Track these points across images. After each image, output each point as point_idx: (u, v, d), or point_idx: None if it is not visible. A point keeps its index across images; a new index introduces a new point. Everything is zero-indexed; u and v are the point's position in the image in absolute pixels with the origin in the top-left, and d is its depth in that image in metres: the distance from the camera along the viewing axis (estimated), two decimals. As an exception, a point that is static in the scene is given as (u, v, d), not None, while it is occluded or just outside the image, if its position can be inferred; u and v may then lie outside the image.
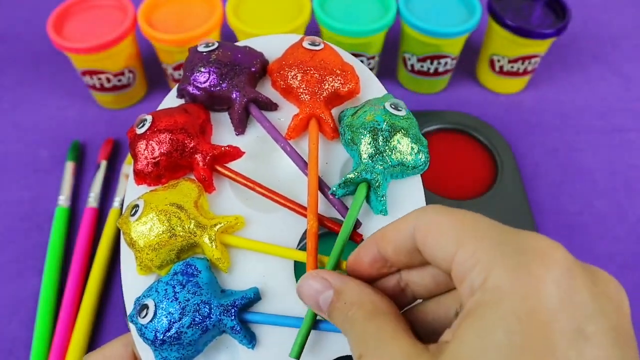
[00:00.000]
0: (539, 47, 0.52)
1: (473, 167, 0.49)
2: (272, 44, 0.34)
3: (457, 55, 0.54)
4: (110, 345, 0.27)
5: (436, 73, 0.55)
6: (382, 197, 0.27)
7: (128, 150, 0.51)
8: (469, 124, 0.51)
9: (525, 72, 0.55)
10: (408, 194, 0.28)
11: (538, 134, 0.54)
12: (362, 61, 0.53)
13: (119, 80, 0.53)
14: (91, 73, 0.51)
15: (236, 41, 0.53)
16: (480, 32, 0.56)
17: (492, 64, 0.56)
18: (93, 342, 0.41)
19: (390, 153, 0.27)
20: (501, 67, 0.55)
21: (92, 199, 0.47)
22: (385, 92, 0.31)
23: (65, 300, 0.42)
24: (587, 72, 0.60)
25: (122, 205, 0.47)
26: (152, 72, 0.58)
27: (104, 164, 0.50)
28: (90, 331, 0.41)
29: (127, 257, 0.28)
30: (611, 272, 0.47)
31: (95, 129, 0.54)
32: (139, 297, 0.25)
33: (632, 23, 0.66)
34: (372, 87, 0.32)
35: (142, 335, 0.24)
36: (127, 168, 0.50)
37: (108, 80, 0.52)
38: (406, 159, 0.27)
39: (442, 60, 0.53)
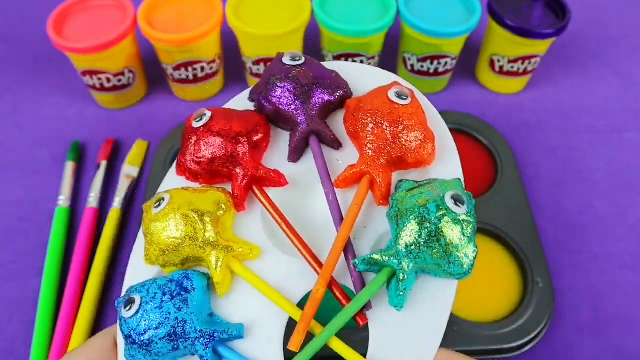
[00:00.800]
0: (539, 47, 0.52)
1: (473, 167, 0.49)
2: (364, 75, 0.31)
3: (457, 55, 0.54)
4: (91, 339, 0.27)
5: (436, 73, 0.55)
6: (403, 291, 0.24)
7: (128, 150, 0.51)
8: (469, 124, 0.51)
9: (525, 72, 0.55)
10: (433, 296, 0.25)
11: (538, 134, 0.54)
12: (362, 61, 0.53)
13: (119, 80, 0.53)
14: (91, 73, 0.51)
15: (236, 41, 0.53)
16: (480, 32, 0.56)
17: (492, 64, 0.56)
18: (93, 342, 0.41)
19: (429, 249, 0.24)
20: (501, 67, 0.55)
21: (92, 199, 0.47)
22: (459, 175, 0.28)
23: (65, 300, 0.42)
24: (587, 72, 0.60)
25: (122, 205, 0.47)
26: (152, 72, 0.58)
27: (104, 164, 0.50)
28: (90, 331, 0.41)
29: (141, 241, 0.27)
30: (611, 272, 0.48)
31: (95, 129, 0.54)
32: (133, 287, 0.25)
33: (632, 23, 0.66)
34: (446, 163, 0.28)
35: (120, 325, 0.24)
36: (127, 168, 0.50)
37: (108, 80, 0.52)
38: (444, 262, 0.24)
39: (442, 60, 0.53)
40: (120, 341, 0.25)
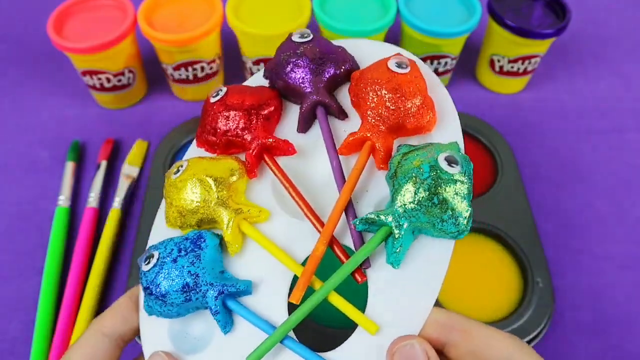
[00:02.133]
0: (539, 47, 0.52)
1: (473, 167, 0.49)
2: (371, 50, 0.32)
3: (457, 55, 0.54)
4: (116, 302, 0.28)
5: (436, 73, 0.55)
6: (399, 249, 0.25)
7: (128, 150, 0.51)
8: (469, 124, 0.51)
9: (525, 72, 0.55)
10: (429, 255, 0.26)
11: (538, 134, 0.54)
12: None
13: (119, 80, 0.53)
14: (91, 73, 0.51)
15: (236, 41, 0.53)
16: (480, 32, 0.56)
17: (492, 64, 0.56)
18: (93, 342, 0.41)
19: (422, 208, 0.25)
20: (501, 67, 0.55)
21: (92, 199, 0.47)
22: (459, 138, 0.29)
23: (65, 300, 0.42)
24: (587, 72, 0.60)
25: (122, 205, 0.47)
26: (152, 72, 0.58)
27: (104, 164, 0.50)
28: (90, 331, 0.41)
29: (163, 207, 0.30)
30: (611, 272, 0.48)
31: (95, 129, 0.54)
32: (153, 245, 0.27)
33: (632, 23, 0.66)
34: (447, 129, 0.29)
35: (140, 277, 0.26)
36: (127, 168, 0.50)
37: (108, 80, 0.52)
38: (438, 220, 0.25)
39: (442, 60, 0.53)
40: (141, 295, 0.28)
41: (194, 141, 0.31)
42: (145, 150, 0.52)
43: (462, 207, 0.25)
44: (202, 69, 0.53)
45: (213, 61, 0.53)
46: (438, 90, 0.30)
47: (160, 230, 0.29)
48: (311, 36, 0.31)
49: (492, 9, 0.52)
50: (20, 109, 0.56)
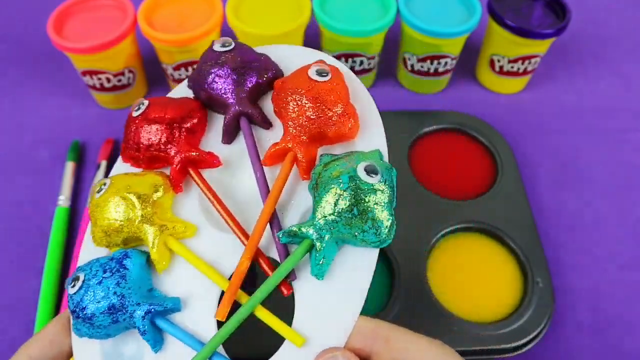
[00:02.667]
0: (539, 47, 0.52)
1: (473, 167, 0.49)
2: (295, 56, 0.32)
3: (457, 55, 0.54)
4: (45, 327, 0.28)
5: (436, 73, 0.55)
6: (322, 261, 0.25)
7: (128, 150, 0.51)
8: (469, 124, 0.51)
9: (525, 72, 0.55)
10: (354, 266, 0.26)
11: (538, 134, 0.54)
12: (361, 61, 0.53)
13: (119, 80, 0.53)
14: (91, 73, 0.51)
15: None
16: (480, 32, 0.56)
17: (492, 64, 0.56)
18: (93, 342, 0.41)
19: (342, 220, 0.25)
20: (501, 67, 0.55)
21: (92, 199, 0.47)
22: (382, 146, 0.28)
23: (65, 300, 0.42)
24: (587, 72, 0.60)
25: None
26: (152, 72, 0.58)
27: (104, 164, 0.50)
28: (90, 331, 0.41)
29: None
30: (611, 272, 0.48)
31: (95, 129, 0.54)
32: (80, 266, 0.27)
33: (632, 23, 0.66)
34: (371, 137, 0.29)
35: (68, 301, 0.26)
36: (127, 168, 0.50)
37: (108, 80, 0.52)
38: (359, 231, 0.25)
39: (442, 60, 0.53)
40: (71, 318, 0.27)
41: (119, 157, 0.31)
42: (145, 150, 0.52)
43: (383, 217, 0.25)
44: (202, 69, 0.53)
45: (213, 61, 0.53)
46: (362, 97, 0.30)
47: (90, 249, 0.28)
48: (233, 45, 0.31)
49: (492, 9, 0.52)
50: (20, 109, 0.56)
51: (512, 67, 0.55)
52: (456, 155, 0.50)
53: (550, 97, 0.58)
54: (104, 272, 0.26)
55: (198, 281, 0.27)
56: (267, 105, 0.31)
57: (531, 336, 0.39)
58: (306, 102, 0.28)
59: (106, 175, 0.49)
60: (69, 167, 0.50)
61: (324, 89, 0.28)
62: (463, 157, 0.50)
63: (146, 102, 0.30)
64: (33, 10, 0.66)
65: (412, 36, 0.52)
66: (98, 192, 0.28)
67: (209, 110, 0.32)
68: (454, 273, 0.42)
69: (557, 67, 0.60)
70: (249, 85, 0.30)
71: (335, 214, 0.25)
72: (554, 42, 0.54)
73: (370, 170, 0.25)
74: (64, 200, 0.47)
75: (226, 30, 0.53)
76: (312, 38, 0.56)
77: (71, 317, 0.26)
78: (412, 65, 0.55)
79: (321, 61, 0.30)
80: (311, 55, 0.32)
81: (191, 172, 0.29)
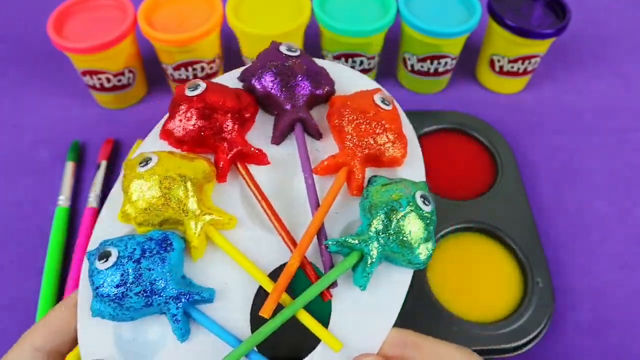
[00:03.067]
0: (539, 47, 0.52)
1: (473, 167, 0.49)
2: (349, 79, 0.33)
3: (457, 55, 0.54)
4: (51, 311, 0.27)
5: (436, 73, 0.55)
6: (369, 274, 0.26)
7: (128, 150, 0.51)
8: (469, 124, 0.51)
9: (525, 72, 0.55)
10: (391, 282, 0.28)
11: (538, 134, 0.54)
12: (362, 61, 0.53)
13: (119, 80, 0.53)
14: (91, 73, 0.51)
15: (236, 41, 0.53)
16: (480, 32, 0.56)
17: (492, 64, 0.56)
18: (93, 342, 0.41)
19: (396, 238, 0.26)
20: (501, 67, 0.55)
21: (92, 199, 0.47)
22: (423, 177, 0.31)
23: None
24: (587, 72, 0.60)
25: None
26: (152, 72, 0.58)
27: (104, 164, 0.50)
28: (90, 331, 0.41)
29: (114, 198, 0.28)
30: (611, 272, 0.48)
31: (95, 129, 0.54)
32: (107, 240, 0.25)
33: (632, 23, 0.66)
34: (413, 166, 0.31)
35: (91, 277, 0.24)
36: (127, 168, 0.50)
37: (108, 80, 0.52)
38: (408, 251, 0.27)
39: (442, 60, 0.53)
40: (84, 296, 0.26)
41: (155, 131, 0.30)
42: (145, 150, 0.52)
43: (429, 244, 0.27)
44: (202, 69, 0.53)
45: (213, 61, 0.53)
46: (408, 130, 0.32)
47: (110, 224, 0.27)
48: (299, 51, 0.31)
49: (492, 9, 0.52)
50: (20, 109, 0.56)
51: (512, 67, 0.55)
52: (456, 155, 0.50)
53: (550, 97, 0.58)
54: (143, 251, 0.24)
55: (232, 274, 0.27)
56: (315, 117, 0.32)
57: (531, 336, 0.39)
58: (370, 124, 0.29)
59: (106, 175, 0.49)
60: (69, 167, 0.50)
61: (387, 117, 0.30)
62: (463, 157, 0.50)
63: (204, 85, 0.29)
64: (33, 10, 0.66)
65: (412, 36, 0.52)
66: (142, 165, 0.26)
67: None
68: (453, 273, 0.42)
69: (557, 67, 0.60)
70: (308, 94, 0.30)
71: (391, 232, 0.26)
72: (554, 42, 0.54)
73: (425, 199, 0.27)
74: (64, 200, 0.47)
75: (226, 30, 0.53)
76: (312, 38, 0.56)
77: (94, 294, 0.24)
78: (412, 65, 0.55)
79: (381, 90, 0.32)
80: (366, 82, 0.34)
81: (239, 165, 0.29)
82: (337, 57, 0.53)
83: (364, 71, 0.55)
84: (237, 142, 0.29)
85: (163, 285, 0.24)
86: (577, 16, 0.57)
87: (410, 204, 0.26)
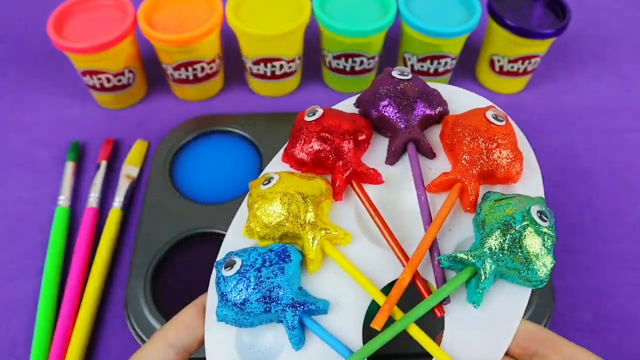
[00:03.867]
0: (539, 47, 0.52)
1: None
2: (461, 98, 0.34)
3: (457, 55, 0.54)
4: (181, 312, 0.28)
5: (436, 73, 0.55)
6: (482, 290, 0.26)
7: (128, 150, 0.51)
8: (469, 124, 0.51)
9: (525, 72, 0.55)
10: (507, 300, 0.27)
11: (538, 134, 0.54)
12: (362, 61, 0.53)
13: (119, 80, 0.53)
14: (91, 73, 0.51)
15: (236, 41, 0.53)
16: (480, 32, 0.56)
17: (492, 64, 0.56)
18: (93, 342, 0.41)
19: (511, 254, 0.26)
20: (501, 67, 0.55)
21: (92, 199, 0.47)
22: (541, 193, 0.30)
23: (65, 300, 0.42)
24: (587, 72, 0.60)
25: (122, 205, 0.47)
26: (152, 72, 0.58)
27: (104, 164, 0.50)
28: (90, 331, 0.41)
29: (241, 214, 0.30)
30: (611, 272, 0.48)
31: (95, 129, 0.54)
32: (233, 252, 0.27)
33: (632, 23, 0.66)
34: (529, 182, 0.30)
35: (217, 283, 0.26)
36: (127, 168, 0.50)
37: (108, 80, 0.52)
38: (524, 268, 0.26)
39: (442, 60, 0.53)
40: (211, 302, 0.28)
41: (278, 155, 0.32)
42: (145, 150, 0.52)
43: (548, 259, 0.26)
44: (202, 69, 0.53)
45: (213, 61, 0.53)
46: (524, 145, 0.32)
47: (236, 239, 0.29)
48: (410, 75, 0.32)
49: (492, 9, 0.52)
50: (20, 109, 0.56)
51: (512, 67, 0.55)
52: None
53: (550, 97, 0.58)
54: (264, 261, 0.26)
55: (346, 288, 0.27)
56: (427, 137, 0.32)
57: (531, 336, 0.39)
58: (483, 141, 0.29)
59: (106, 175, 0.49)
60: (69, 167, 0.50)
61: (501, 132, 0.29)
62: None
63: (321, 110, 0.31)
64: (33, 10, 0.66)
65: (412, 36, 0.52)
66: (265, 184, 0.28)
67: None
68: (454, 273, 0.42)
69: (557, 67, 0.60)
70: (421, 115, 0.31)
71: (505, 248, 0.26)
72: (554, 42, 0.54)
73: (542, 214, 0.26)
74: (64, 200, 0.47)
75: (226, 30, 0.53)
76: (312, 38, 0.56)
77: (217, 300, 0.26)
78: (412, 66, 0.55)
79: (494, 106, 0.32)
80: (479, 100, 0.34)
81: (354, 184, 0.30)
82: (337, 57, 0.53)
83: (364, 71, 0.55)
84: (353, 162, 0.30)
85: (281, 293, 0.26)
86: (577, 16, 0.57)
87: (525, 218, 0.26)
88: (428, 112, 0.32)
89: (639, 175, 0.51)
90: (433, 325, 0.27)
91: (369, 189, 0.30)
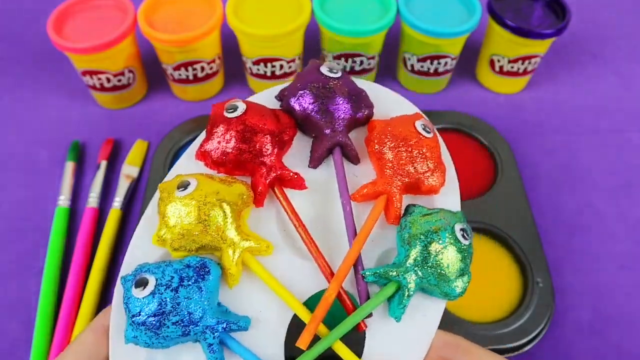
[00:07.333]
0: (539, 47, 0.52)
1: (473, 167, 0.49)
2: (389, 102, 0.33)
3: (457, 55, 0.54)
4: (79, 337, 0.26)
5: (436, 73, 0.55)
6: (405, 306, 0.26)
7: (128, 150, 0.51)
8: (469, 124, 0.51)
9: (525, 72, 0.55)
10: (424, 312, 0.27)
11: (538, 134, 0.54)
12: (362, 61, 0.53)
13: (119, 80, 0.53)
14: (91, 73, 0.51)
15: (236, 41, 0.53)
16: (480, 32, 0.56)
17: (492, 64, 0.56)
18: (93, 342, 0.41)
19: (434, 271, 0.26)
20: (501, 67, 0.55)
21: (92, 199, 0.47)
22: (458, 206, 0.30)
23: (65, 300, 0.42)
24: (587, 72, 0.60)
25: (122, 205, 0.47)
26: (152, 72, 0.58)
27: (104, 164, 0.50)
28: (90, 331, 0.41)
29: (148, 220, 0.27)
30: (611, 272, 0.48)
31: (95, 129, 0.54)
32: (144, 266, 0.25)
33: (632, 23, 0.66)
34: (448, 194, 0.30)
35: (126, 304, 0.24)
36: (127, 168, 0.50)
37: (108, 80, 0.52)
38: (444, 284, 0.26)
39: (442, 60, 0.53)
40: (117, 321, 0.25)
41: (190, 152, 0.29)
42: (145, 150, 0.52)
43: (465, 276, 0.27)
44: (202, 69, 0.53)
45: (213, 61, 0.53)
46: (445, 157, 0.32)
47: (143, 247, 0.27)
48: (340, 73, 0.31)
49: (492, 9, 0.52)
50: (20, 109, 0.56)
51: (512, 67, 0.55)
52: (456, 155, 0.50)
53: (550, 97, 0.58)
54: (180, 279, 0.24)
55: (267, 302, 0.26)
56: (353, 140, 0.31)
57: (531, 336, 0.39)
58: (411, 152, 0.28)
59: (106, 175, 0.49)
60: (69, 167, 0.50)
61: (429, 145, 0.29)
62: (463, 157, 0.50)
63: (243, 106, 0.28)
64: (33, 10, 0.66)
65: (412, 36, 0.52)
66: (181, 190, 0.26)
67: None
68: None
69: (557, 67, 0.60)
70: (349, 117, 0.30)
71: (430, 265, 0.26)
72: (554, 42, 0.54)
73: (464, 232, 0.27)
74: (64, 200, 0.47)
75: (226, 30, 0.53)
76: (312, 38, 0.56)
77: (129, 321, 0.24)
78: (412, 65, 0.55)
79: (421, 115, 0.31)
80: (402, 104, 0.33)
81: (276, 190, 0.28)
82: (337, 57, 0.53)
83: (364, 71, 0.55)
84: (276, 167, 0.28)
85: (201, 314, 0.24)
86: (577, 16, 0.57)
87: (449, 236, 0.26)
88: (356, 115, 0.30)
89: (639, 175, 0.51)
90: (355, 337, 0.27)
91: (291, 193, 0.29)
